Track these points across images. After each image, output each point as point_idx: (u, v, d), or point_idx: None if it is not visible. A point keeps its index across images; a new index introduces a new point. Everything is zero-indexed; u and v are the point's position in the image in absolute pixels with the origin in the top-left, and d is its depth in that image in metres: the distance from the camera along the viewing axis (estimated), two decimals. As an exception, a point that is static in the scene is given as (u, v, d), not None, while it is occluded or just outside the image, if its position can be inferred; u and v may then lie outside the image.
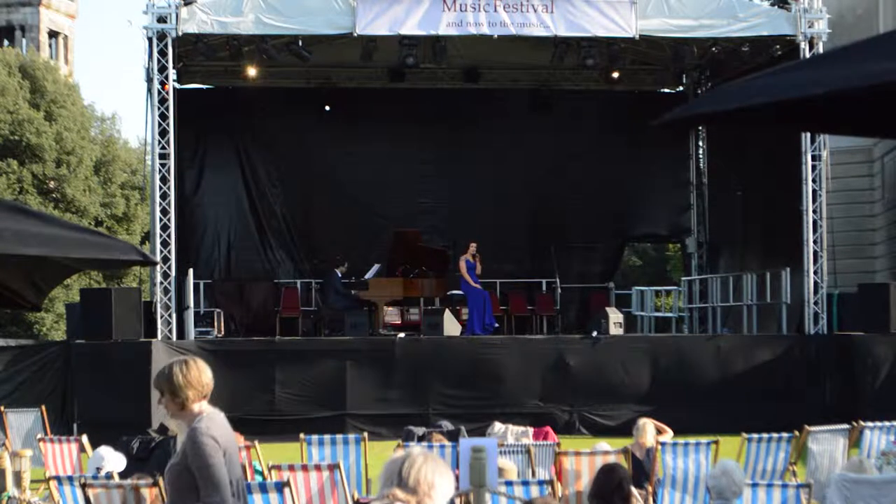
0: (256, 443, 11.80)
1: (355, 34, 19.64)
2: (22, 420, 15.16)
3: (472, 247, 21.09)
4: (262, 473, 10.10)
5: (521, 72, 24.74)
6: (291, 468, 9.54)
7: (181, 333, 19.36)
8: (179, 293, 19.58)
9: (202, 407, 5.80)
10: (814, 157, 20.06)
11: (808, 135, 19.17)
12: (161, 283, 19.23)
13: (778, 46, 20.67)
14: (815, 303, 19.93)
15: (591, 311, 22.97)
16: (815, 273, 19.95)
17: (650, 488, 10.70)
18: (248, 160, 24.97)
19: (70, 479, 9.46)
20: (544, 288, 24.17)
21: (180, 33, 19.44)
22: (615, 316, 20.57)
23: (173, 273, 19.27)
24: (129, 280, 35.75)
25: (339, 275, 22.20)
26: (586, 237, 25.40)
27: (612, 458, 9.81)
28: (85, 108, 42.79)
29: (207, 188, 24.74)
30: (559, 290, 23.63)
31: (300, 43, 20.37)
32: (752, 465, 11.35)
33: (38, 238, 5.11)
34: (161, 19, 19.41)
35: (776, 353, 19.63)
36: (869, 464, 8.67)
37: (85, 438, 12.42)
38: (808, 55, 19.03)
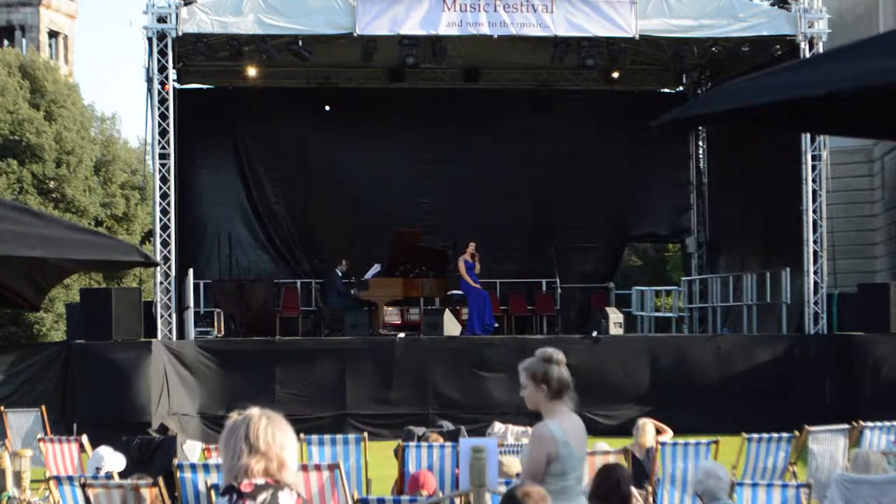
0: (256, 443, 11.76)
1: (355, 34, 19.64)
2: (22, 420, 15.15)
3: (471, 246, 21.09)
4: (262, 473, 10.07)
5: (521, 72, 24.75)
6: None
7: (181, 333, 19.37)
8: (179, 293, 19.59)
9: None
10: (814, 157, 20.06)
11: (808, 135, 19.17)
12: (161, 283, 19.24)
13: (778, 46, 20.67)
14: (815, 303, 19.93)
15: (591, 311, 22.97)
16: (815, 273, 19.95)
17: (650, 488, 10.70)
18: (248, 160, 24.98)
19: (70, 479, 9.45)
20: (544, 288, 24.17)
21: (180, 33, 19.44)
22: (615, 316, 20.57)
23: (173, 273, 19.27)
24: (130, 280, 35.73)
25: (340, 274, 22.22)
26: (586, 237, 25.41)
27: (612, 458, 9.81)
28: (85, 108, 42.75)
29: (207, 188, 24.74)
30: (559, 290, 23.62)
31: (300, 43, 20.38)
32: (752, 465, 11.34)
33: (39, 239, 5.11)
34: (161, 19, 19.42)
35: (776, 353, 19.63)
36: (878, 458, 8.64)
37: (85, 438, 12.41)
38: (808, 55, 19.03)
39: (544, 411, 5.82)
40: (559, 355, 5.88)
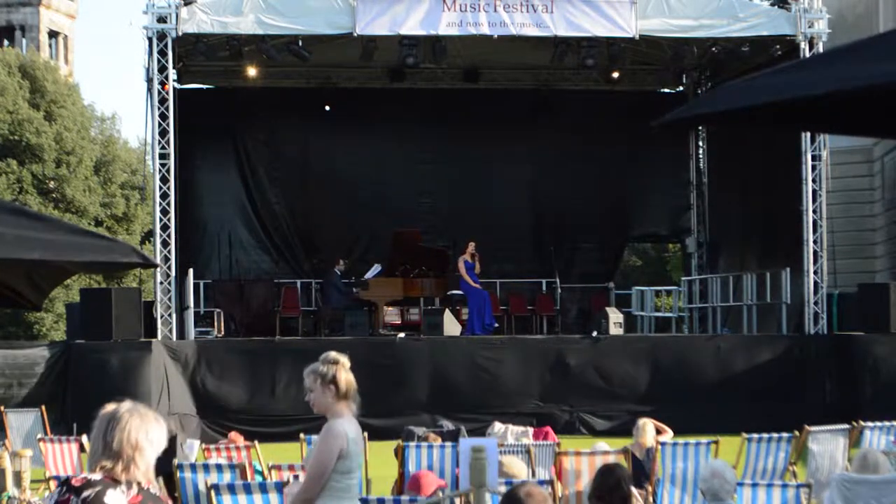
0: (256, 443, 11.80)
1: (355, 34, 19.64)
2: (22, 420, 15.14)
3: (471, 246, 21.09)
4: (262, 473, 10.09)
5: (521, 72, 24.75)
6: (291, 468, 9.54)
7: (181, 333, 19.36)
8: (179, 293, 19.58)
9: None
10: (814, 157, 20.06)
11: (808, 135, 19.17)
12: (161, 283, 19.24)
13: (778, 46, 20.67)
14: (815, 303, 19.93)
15: (592, 311, 22.97)
16: (815, 273, 19.95)
17: (650, 488, 10.71)
18: (248, 160, 24.98)
19: (70, 479, 9.42)
20: (544, 288, 24.17)
21: (180, 33, 19.43)
22: (615, 316, 20.56)
23: (173, 273, 19.26)
24: (129, 280, 35.75)
25: (339, 273, 22.24)
26: (586, 237, 25.41)
27: (612, 458, 9.81)
28: (85, 108, 42.79)
29: (207, 188, 24.74)
30: (559, 290, 23.63)
31: (300, 43, 20.37)
32: (752, 465, 11.34)
33: (38, 242, 5.11)
34: (161, 19, 19.41)
35: (776, 353, 19.62)
36: (885, 459, 8.63)
37: (85, 438, 12.40)
38: (808, 55, 19.03)
39: (331, 413, 6.03)
40: (344, 358, 6.10)
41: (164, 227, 19.42)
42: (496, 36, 19.94)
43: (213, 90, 25.04)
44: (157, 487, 4.18)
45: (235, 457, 11.10)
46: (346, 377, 6.02)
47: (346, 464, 5.94)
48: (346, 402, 6.03)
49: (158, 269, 19.11)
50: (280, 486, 8.62)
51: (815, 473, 11.28)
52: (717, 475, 6.84)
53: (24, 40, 59.94)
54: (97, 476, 4.02)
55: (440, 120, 24.64)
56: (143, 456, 4.04)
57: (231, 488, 8.62)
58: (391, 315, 21.99)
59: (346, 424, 6.00)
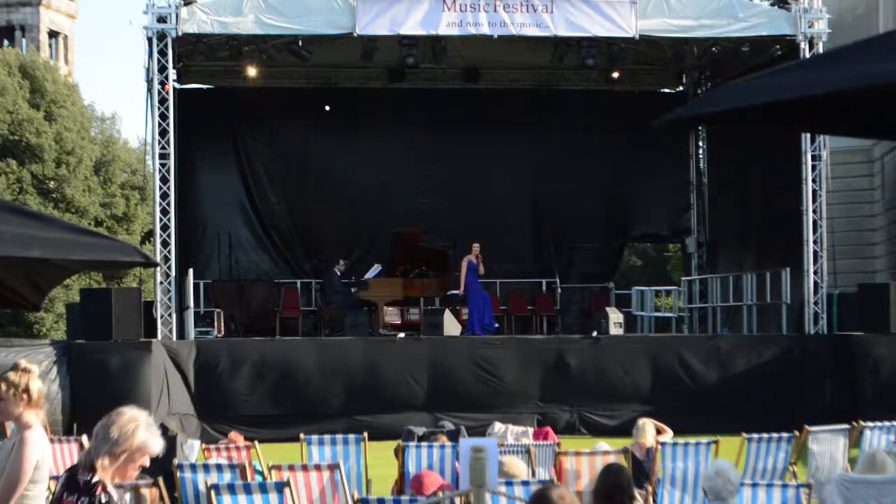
0: (256, 443, 11.80)
1: (355, 34, 19.64)
2: (22, 420, 15.10)
3: (476, 247, 21.05)
4: (262, 473, 10.09)
5: (521, 72, 24.75)
6: (291, 468, 9.54)
7: (181, 333, 19.36)
8: (179, 293, 19.59)
9: None
10: (814, 157, 20.06)
11: (808, 135, 19.17)
12: (161, 283, 19.24)
13: (778, 46, 20.67)
14: (815, 303, 19.93)
15: (592, 311, 22.97)
16: (815, 273, 19.95)
17: (650, 488, 10.71)
18: (248, 160, 24.98)
19: (70, 479, 9.42)
20: (544, 288, 24.17)
21: (180, 33, 19.44)
22: (615, 316, 20.57)
23: (173, 273, 19.27)
24: (129, 280, 35.75)
25: (339, 274, 22.24)
26: (586, 237, 25.40)
27: (612, 458, 9.82)
28: (85, 108, 42.79)
29: (207, 188, 24.74)
30: (559, 290, 23.63)
31: (300, 43, 20.37)
32: (752, 465, 11.35)
33: (38, 241, 5.11)
34: (161, 19, 19.41)
35: (776, 353, 19.62)
36: (891, 461, 8.62)
37: (85, 438, 12.40)
38: (808, 55, 19.03)
39: (22, 422, 6.02)
40: (35, 367, 6.13)
41: (164, 227, 19.42)
42: (496, 36, 19.94)
43: (213, 90, 25.04)
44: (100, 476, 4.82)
45: (235, 457, 11.10)
46: (37, 386, 6.04)
47: (39, 473, 6.01)
48: (37, 411, 6.06)
49: (158, 269, 19.11)
50: (280, 486, 8.62)
51: (815, 473, 11.29)
52: (721, 474, 6.84)
53: (24, 40, 59.91)
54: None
55: (440, 120, 24.63)
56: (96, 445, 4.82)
57: (231, 488, 8.62)
58: (391, 315, 21.98)
59: (39, 434, 6.06)
